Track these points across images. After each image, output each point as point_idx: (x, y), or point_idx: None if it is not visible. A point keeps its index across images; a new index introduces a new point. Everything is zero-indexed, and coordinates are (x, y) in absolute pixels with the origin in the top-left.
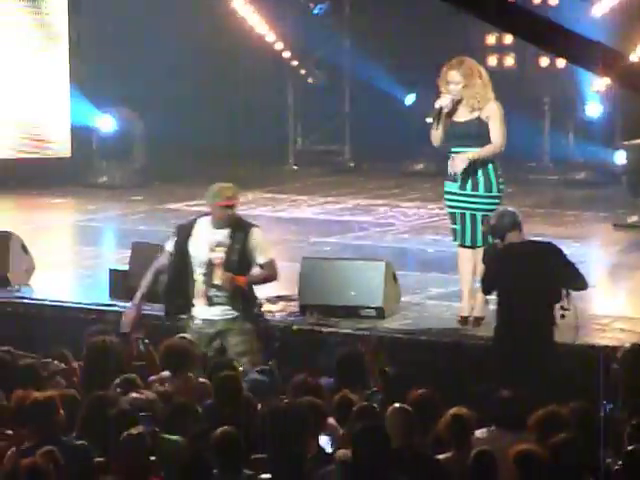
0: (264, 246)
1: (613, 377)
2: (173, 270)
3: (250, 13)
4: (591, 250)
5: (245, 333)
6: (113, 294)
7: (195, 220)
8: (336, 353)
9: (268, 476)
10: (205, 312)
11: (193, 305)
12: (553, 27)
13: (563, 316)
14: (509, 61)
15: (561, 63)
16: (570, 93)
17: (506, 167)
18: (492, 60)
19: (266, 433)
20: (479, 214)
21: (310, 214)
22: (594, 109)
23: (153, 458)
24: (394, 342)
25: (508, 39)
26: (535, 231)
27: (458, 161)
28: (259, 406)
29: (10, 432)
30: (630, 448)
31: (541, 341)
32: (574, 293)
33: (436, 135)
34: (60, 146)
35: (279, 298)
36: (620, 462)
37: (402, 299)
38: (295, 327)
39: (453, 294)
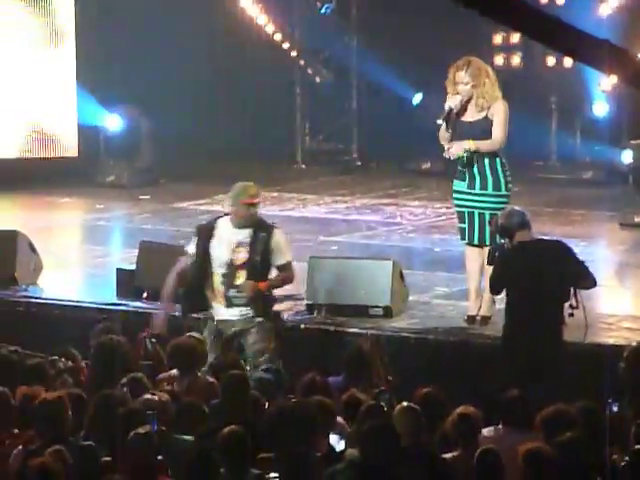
0: (284, 248)
1: (619, 376)
2: (195, 271)
3: (258, 12)
4: (598, 249)
5: (263, 332)
6: (120, 293)
7: (215, 220)
8: (344, 351)
9: (276, 475)
10: (224, 312)
11: (211, 306)
12: (561, 26)
13: (572, 315)
14: (516, 60)
15: (568, 62)
16: (577, 92)
17: (513, 166)
18: (499, 59)
19: (273, 432)
20: (487, 213)
21: (317, 213)
22: (601, 108)
23: (160, 458)
24: (401, 341)
25: (515, 38)
26: (542, 230)
27: (456, 147)
28: (266, 405)
29: (16, 431)
30: (637, 447)
31: (550, 340)
32: (581, 292)
33: (445, 135)
34: (67, 145)
35: (286, 297)
36: (626, 460)
37: (409, 298)
38: (302, 326)
39: (460, 293)
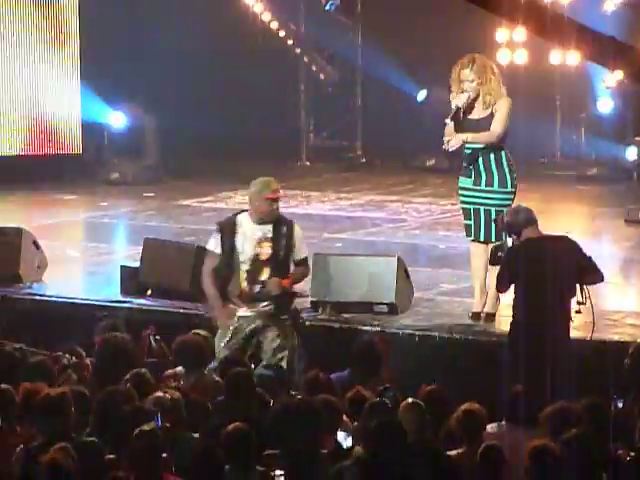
0: (303, 242)
1: (624, 372)
2: (223, 268)
3: (262, 9)
4: (602, 246)
5: (284, 329)
6: (124, 290)
7: (235, 216)
8: (354, 344)
9: (281, 472)
10: (245, 309)
11: (232, 302)
12: (566, 22)
13: (578, 312)
14: (521, 57)
15: (572, 59)
16: (582, 89)
17: (518, 163)
18: (504, 56)
19: (278, 429)
20: (493, 209)
21: (322, 210)
22: (605, 105)
23: (165, 455)
24: (406, 338)
25: (520, 35)
26: (546, 228)
27: (455, 140)
28: (271, 402)
29: (19, 429)
30: None
31: (558, 337)
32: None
33: (452, 133)
34: (72, 143)
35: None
36: (631, 456)
37: (414, 295)
38: (307, 323)
39: (465, 290)
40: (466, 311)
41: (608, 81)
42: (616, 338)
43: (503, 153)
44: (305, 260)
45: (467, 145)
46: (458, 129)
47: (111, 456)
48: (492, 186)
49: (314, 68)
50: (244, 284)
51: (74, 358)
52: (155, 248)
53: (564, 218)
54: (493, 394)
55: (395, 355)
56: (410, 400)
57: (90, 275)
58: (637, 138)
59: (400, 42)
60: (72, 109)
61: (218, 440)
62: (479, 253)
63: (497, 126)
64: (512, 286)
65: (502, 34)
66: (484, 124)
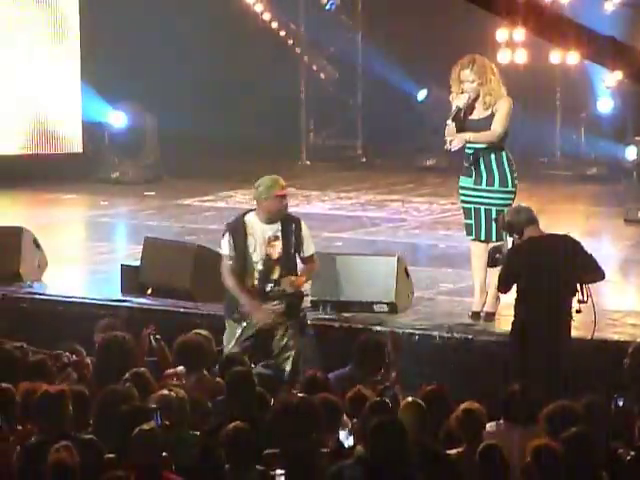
0: (310, 239)
1: (624, 371)
2: (238, 269)
3: (262, 8)
4: (602, 245)
5: (293, 328)
6: (124, 290)
7: (243, 217)
8: (358, 339)
9: (281, 472)
10: None
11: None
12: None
13: (579, 311)
14: (520, 57)
15: (572, 59)
16: (581, 89)
17: (517, 163)
18: (504, 56)
19: (278, 428)
20: (494, 209)
21: (322, 209)
22: (605, 105)
23: (165, 454)
24: (406, 337)
25: (519, 35)
26: (546, 227)
27: (457, 140)
28: (272, 401)
29: (19, 427)
30: None
31: (559, 336)
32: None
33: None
34: (72, 142)
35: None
36: (631, 455)
37: (414, 294)
38: (307, 322)
39: (465, 289)
40: (466, 311)
41: (608, 81)
42: (616, 337)
43: (504, 153)
44: (313, 256)
45: (468, 145)
46: (459, 129)
47: (111, 455)
48: (493, 186)
49: (314, 67)
50: (256, 283)
51: (74, 357)
52: (155, 247)
53: (564, 218)
54: (493, 393)
55: (395, 354)
56: (410, 399)
57: (90, 274)
58: (637, 138)
59: (400, 42)
60: (72, 108)
61: (218, 439)
62: (479, 252)
63: (497, 126)
64: (514, 286)
65: (502, 34)
66: (485, 124)
